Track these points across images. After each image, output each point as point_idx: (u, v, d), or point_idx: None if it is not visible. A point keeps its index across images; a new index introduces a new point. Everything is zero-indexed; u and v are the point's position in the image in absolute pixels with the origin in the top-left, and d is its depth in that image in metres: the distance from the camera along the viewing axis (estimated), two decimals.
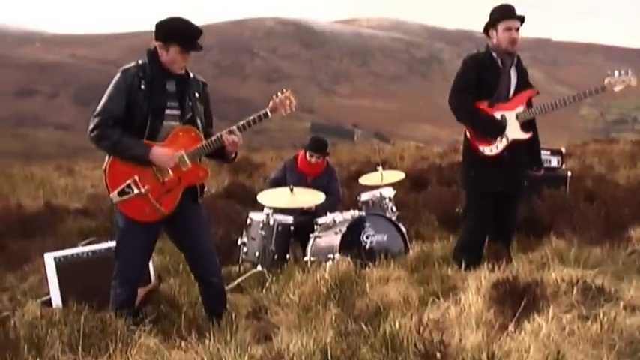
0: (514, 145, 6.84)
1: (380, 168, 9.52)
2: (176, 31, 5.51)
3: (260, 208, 8.75)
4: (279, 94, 5.69)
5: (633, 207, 9.81)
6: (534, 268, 6.11)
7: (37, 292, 7.58)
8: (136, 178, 5.43)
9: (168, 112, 5.53)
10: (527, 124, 6.89)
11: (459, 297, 5.38)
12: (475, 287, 5.39)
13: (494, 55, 6.88)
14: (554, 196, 10.15)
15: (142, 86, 5.44)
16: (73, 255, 7.00)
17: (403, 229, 8.35)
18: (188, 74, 5.68)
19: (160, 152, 5.41)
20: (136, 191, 5.43)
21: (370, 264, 7.11)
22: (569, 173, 11.48)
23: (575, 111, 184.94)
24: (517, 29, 6.85)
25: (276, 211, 8.63)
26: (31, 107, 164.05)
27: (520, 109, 6.82)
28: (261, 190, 9.45)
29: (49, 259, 6.83)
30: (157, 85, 5.49)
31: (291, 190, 8.57)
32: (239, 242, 8.64)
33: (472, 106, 6.85)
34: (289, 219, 8.65)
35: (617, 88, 6.77)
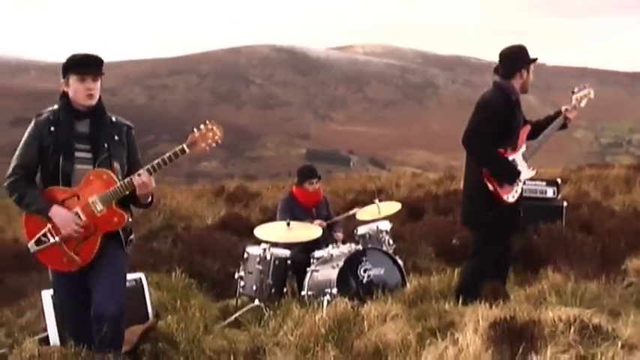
0: None
1: (377, 200, 9.52)
2: (71, 62, 5.47)
3: (257, 240, 8.76)
4: (201, 126, 5.45)
5: (629, 237, 9.84)
6: (532, 306, 6.09)
7: (34, 329, 7.53)
8: (50, 226, 5.30)
9: (79, 154, 5.41)
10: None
11: (457, 337, 5.37)
12: (473, 326, 5.39)
13: (513, 98, 6.82)
14: (550, 229, 10.14)
15: (52, 129, 5.38)
16: None
17: (400, 262, 8.34)
18: (104, 114, 5.56)
19: (59, 213, 5.27)
20: (51, 240, 5.29)
21: (368, 300, 7.10)
22: (564, 203, 11.48)
23: (570, 135, 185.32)
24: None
25: (274, 244, 8.64)
26: None
27: (523, 148, 6.84)
28: (258, 220, 9.46)
29: (47, 296, 6.80)
30: (65, 126, 5.39)
31: (288, 224, 8.57)
32: (236, 276, 8.63)
33: (490, 152, 6.77)
34: (286, 253, 8.64)
35: (583, 104, 6.92)
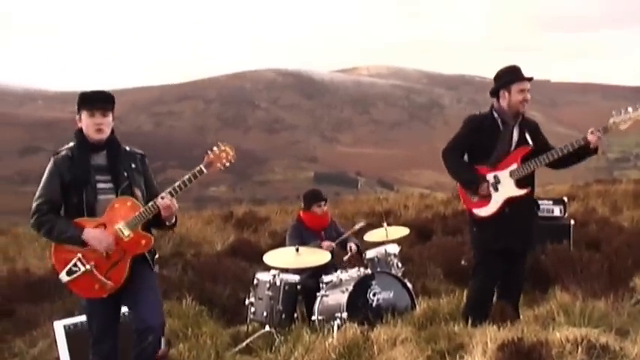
0: (514, 201, 6.90)
1: (385, 224, 9.57)
2: (81, 98, 5.68)
3: (266, 266, 8.81)
4: (214, 148, 5.68)
5: (637, 253, 9.83)
6: (540, 327, 6.13)
7: (47, 358, 7.61)
8: (80, 256, 5.44)
9: (101, 185, 5.58)
10: (525, 179, 6.95)
11: (466, 359, 5.41)
12: (481, 349, 5.43)
13: (495, 116, 6.98)
14: (557, 249, 10.16)
15: (70, 165, 5.55)
16: (82, 323, 6.99)
17: (409, 285, 8.39)
18: (119, 146, 5.75)
19: (91, 234, 5.42)
20: (82, 269, 5.43)
21: (377, 324, 7.14)
22: (572, 222, 11.51)
23: None
24: (528, 90, 6.95)
25: (283, 270, 8.69)
26: (35, 165, 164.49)
27: (513, 166, 6.87)
28: (267, 245, 9.48)
29: (59, 327, 6.86)
30: (81, 160, 5.57)
31: (297, 249, 8.62)
32: (246, 302, 8.68)
33: (458, 161, 7.06)
34: (296, 278, 8.68)
35: (623, 127, 6.75)
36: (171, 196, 5.56)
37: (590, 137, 6.65)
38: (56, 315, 8.35)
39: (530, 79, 6.97)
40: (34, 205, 5.53)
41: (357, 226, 9.64)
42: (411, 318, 7.64)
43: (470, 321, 6.79)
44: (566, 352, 5.14)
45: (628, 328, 6.49)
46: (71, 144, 5.68)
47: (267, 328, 8.19)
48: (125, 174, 5.66)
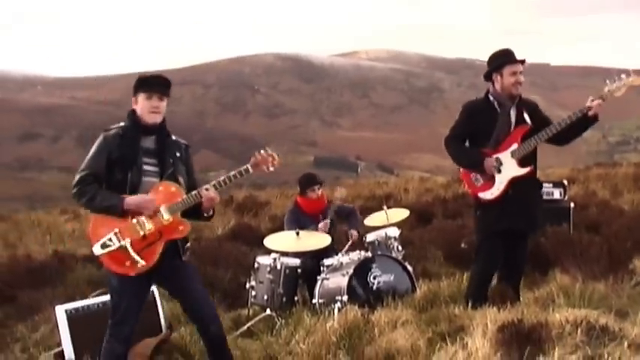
0: (517, 181, 6.90)
1: (385, 207, 9.59)
2: (140, 81, 5.77)
3: (267, 249, 8.84)
4: (262, 151, 5.82)
5: (637, 236, 9.86)
6: (540, 309, 6.15)
7: (49, 343, 7.62)
8: (117, 230, 5.48)
9: (147, 168, 5.65)
10: (527, 158, 6.97)
11: (467, 341, 5.44)
12: (481, 330, 5.46)
13: (491, 99, 7.00)
14: (557, 232, 10.20)
15: (120, 143, 5.61)
16: (83, 307, 7.07)
17: (409, 268, 8.41)
18: (169, 134, 5.83)
19: (133, 199, 5.50)
20: (117, 244, 5.47)
21: (378, 307, 7.19)
22: (572, 205, 11.53)
23: None
24: (521, 72, 6.94)
25: (284, 253, 8.72)
26: (34, 151, 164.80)
27: (514, 146, 6.88)
28: (268, 229, 9.50)
29: (61, 312, 6.90)
30: (131, 140, 5.64)
31: (297, 233, 8.64)
32: (247, 286, 8.71)
33: (460, 147, 7.11)
34: (296, 262, 8.71)
35: (619, 93, 6.75)
36: (215, 189, 5.69)
37: (590, 103, 6.69)
38: (57, 300, 8.38)
39: (522, 62, 6.97)
40: (78, 176, 5.58)
41: (337, 194, 9.72)
42: (412, 301, 7.66)
43: (470, 304, 6.83)
44: (566, 333, 5.16)
45: (627, 309, 6.51)
46: (122, 123, 5.76)
47: (268, 311, 8.24)
48: (171, 161, 5.75)
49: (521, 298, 7.12)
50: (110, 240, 5.49)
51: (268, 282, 8.50)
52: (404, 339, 5.93)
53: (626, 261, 8.58)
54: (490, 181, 6.95)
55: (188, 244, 5.91)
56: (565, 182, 11.98)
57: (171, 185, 5.66)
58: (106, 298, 7.22)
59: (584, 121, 6.76)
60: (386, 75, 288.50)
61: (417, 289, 8.19)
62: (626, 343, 4.95)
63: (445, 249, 11.24)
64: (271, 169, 5.83)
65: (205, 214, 5.89)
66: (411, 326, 6.29)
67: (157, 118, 5.70)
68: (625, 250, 8.95)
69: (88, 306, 7.11)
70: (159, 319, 7.35)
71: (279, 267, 8.53)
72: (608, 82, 6.80)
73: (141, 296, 5.77)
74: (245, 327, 7.84)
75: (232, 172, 5.74)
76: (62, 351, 6.84)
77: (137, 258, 5.48)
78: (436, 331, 6.21)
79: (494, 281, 7.22)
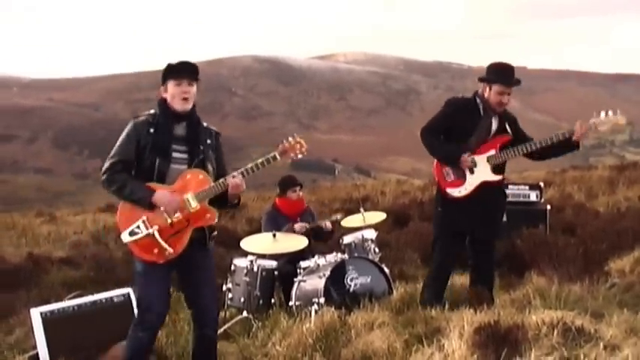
0: (486, 187, 6.97)
1: (362, 209, 9.58)
2: (168, 68, 5.73)
3: (243, 252, 8.82)
4: (290, 138, 5.82)
5: (612, 238, 9.95)
6: (516, 310, 6.17)
7: (24, 347, 7.55)
8: (145, 218, 5.50)
9: (176, 155, 5.65)
10: (500, 167, 7.01)
11: (443, 342, 5.45)
12: (458, 332, 5.47)
13: (477, 101, 7.07)
14: (533, 234, 10.26)
15: (151, 130, 5.61)
16: (59, 310, 7.02)
17: (386, 270, 8.41)
18: (199, 121, 5.82)
19: (162, 195, 5.48)
20: (145, 231, 5.49)
21: (355, 309, 7.17)
22: (548, 207, 11.60)
23: None
24: (509, 93, 6.99)
25: (260, 256, 8.70)
26: (10, 152, 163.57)
27: (492, 152, 6.94)
28: (245, 232, 9.48)
29: (36, 314, 6.84)
30: (164, 128, 5.63)
31: (274, 235, 8.63)
32: (224, 288, 8.69)
33: (437, 138, 7.16)
34: (273, 264, 8.71)
35: (602, 128, 6.80)
36: (242, 176, 5.66)
37: (578, 127, 6.73)
38: (32, 302, 8.31)
39: (515, 83, 7.03)
40: (108, 162, 5.58)
41: (333, 217, 9.67)
42: (388, 303, 7.66)
43: (427, 298, 7.04)
44: (542, 334, 5.18)
45: (603, 311, 6.55)
46: (152, 111, 5.76)
47: (244, 313, 8.23)
48: (201, 147, 5.74)
49: (497, 300, 7.17)
50: (138, 227, 5.52)
51: (245, 284, 8.50)
52: (380, 341, 5.94)
53: (601, 262, 8.66)
54: (461, 179, 7.04)
55: (215, 233, 5.91)
56: (541, 185, 12.06)
57: (199, 173, 5.64)
58: (81, 300, 7.21)
59: (566, 144, 6.83)
60: (363, 78, 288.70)
61: (394, 291, 8.20)
62: (601, 344, 4.98)
63: (421, 251, 11.24)
64: (300, 156, 5.82)
65: (231, 201, 5.83)
66: (387, 328, 6.29)
67: (187, 105, 5.69)
68: (600, 251, 9.03)
69: (64, 308, 7.06)
70: None
71: (255, 269, 8.53)
72: (595, 114, 6.87)
73: (166, 283, 5.72)
74: (222, 329, 7.79)
75: (260, 160, 5.72)
76: (37, 354, 6.78)
77: (165, 246, 5.50)
78: (413, 333, 6.22)
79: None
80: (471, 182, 6.99)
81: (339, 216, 9.68)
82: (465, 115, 7.07)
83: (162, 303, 5.66)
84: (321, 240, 9.70)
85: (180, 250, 5.57)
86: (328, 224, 9.46)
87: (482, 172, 6.95)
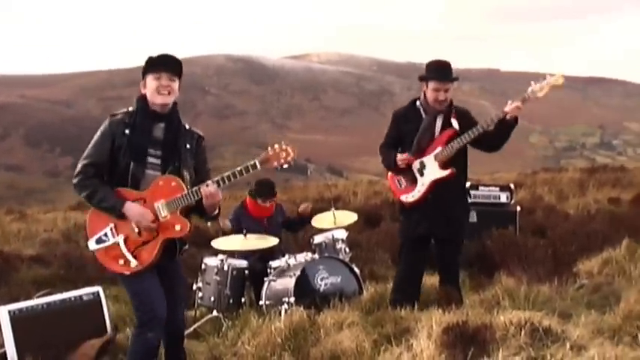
0: (440, 185, 6.99)
1: (333, 209, 9.59)
2: (148, 62, 5.42)
3: (214, 251, 8.80)
4: (275, 145, 5.43)
5: (581, 240, 10.04)
6: (485, 311, 6.21)
7: None
8: (112, 225, 5.31)
9: (151, 160, 5.37)
10: (452, 162, 7.00)
11: (412, 342, 5.47)
12: (427, 332, 5.49)
13: (417, 105, 7.16)
14: (503, 234, 10.32)
15: (127, 131, 5.33)
16: (27, 308, 6.97)
17: (357, 270, 8.42)
18: (179, 122, 5.53)
19: (133, 209, 5.26)
20: (111, 240, 5.29)
21: (325, 309, 7.18)
22: (518, 208, 11.68)
23: (525, 139, 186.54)
24: (446, 90, 6.99)
25: (231, 255, 8.68)
26: None
27: (438, 149, 6.97)
28: (215, 231, 9.46)
29: (4, 312, 6.79)
30: (141, 129, 5.36)
31: (245, 235, 8.63)
32: (194, 287, 8.67)
33: (387, 152, 7.24)
34: (244, 263, 8.71)
35: (541, 94, 6.81)
36: (218, 185, 5.32)
37: (507, 108, 6.77)
38: (1, 300, 8.25)
39: (450, 81, 7.05)
40: (80, 164, 5.34)
41: (303, 205, 9.73)
42: (358, 303, 7.68)
43: (390, 304, 7.09)
44: (510, 334, 5.21)
45: (571, 311, 6.63)
46: (130, 108, 5.48)
47: (214, 313, 8.23)
48: (178, 153, 5.46)
49: (466, 301, 7.21)
50: (106, 235, 5.32)
51: (215, 283, 8.49)
52: (349, 340, 5.95)
53: (570, 264, 8.74)
54: (413, 184, 7.11)
55: (186, 247, 5.68)
56: (512, 186, 12.14)
57: (172, 180, 5.34)
58: (51, 298, 7.17)
59: (505, 125, 6.84)
60: (337, 78, 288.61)
61: (364, 291, 8.22)
62: (568, 345, 5.02)
63: (392, 252, 11.25)
64: (285, 166, 5.47)
65: (208, 212, 5.54)
66: (356, 328, 6.31)
67: (167, 99, 5.39)
68: (569, 253, 9.12)
69: (32, 307, 7.01)
70: (104, 320, 7.29)
71: (226, 268, 8.52)
72: (532, 83, 6.91)
73: (157, 279, 5.48)
74: (191, 328, 7.79)
75: (238, 168, 5.36)
76: (4, 352, 6.73)
77: (130, 257, 5.29)
78: (382, 332, 6.24)
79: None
80: (422, 184, 7.04)
81: (307, 203, 9.80)
82: (407, 122, 7.15)
83: (162, 300, 5.43)
84: (302, 226, 9.93)
85: (148, 262, 5.33)
86: (307, 208, 9.66)
87: (431, 171, 7.00)
